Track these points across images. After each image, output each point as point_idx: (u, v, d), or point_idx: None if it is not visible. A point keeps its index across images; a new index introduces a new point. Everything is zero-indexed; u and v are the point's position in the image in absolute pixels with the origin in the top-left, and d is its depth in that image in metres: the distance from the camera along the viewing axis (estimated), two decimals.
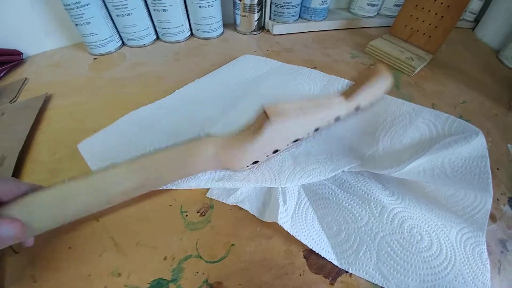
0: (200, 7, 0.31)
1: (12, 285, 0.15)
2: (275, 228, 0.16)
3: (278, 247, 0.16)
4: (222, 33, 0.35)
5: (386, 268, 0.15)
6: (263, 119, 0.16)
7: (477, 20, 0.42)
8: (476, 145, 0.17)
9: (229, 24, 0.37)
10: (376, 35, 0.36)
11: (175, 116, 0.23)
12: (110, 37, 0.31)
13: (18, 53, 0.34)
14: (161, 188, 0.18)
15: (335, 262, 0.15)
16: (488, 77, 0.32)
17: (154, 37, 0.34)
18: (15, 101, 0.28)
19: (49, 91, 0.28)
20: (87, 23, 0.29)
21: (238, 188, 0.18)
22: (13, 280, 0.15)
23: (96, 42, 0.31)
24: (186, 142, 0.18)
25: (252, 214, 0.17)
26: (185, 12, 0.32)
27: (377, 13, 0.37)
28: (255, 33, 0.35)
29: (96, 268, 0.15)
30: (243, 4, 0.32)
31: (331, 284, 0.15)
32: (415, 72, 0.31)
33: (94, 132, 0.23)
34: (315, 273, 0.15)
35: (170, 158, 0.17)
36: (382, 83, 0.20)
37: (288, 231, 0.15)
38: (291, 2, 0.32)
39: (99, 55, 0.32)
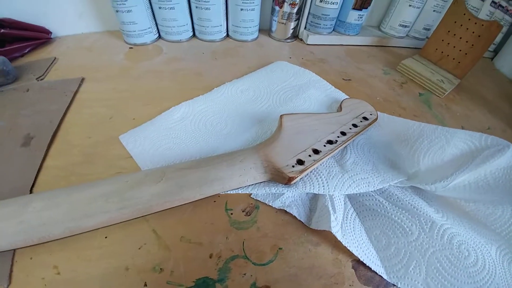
0: (241, 9, 0.31)
1: (32, 276, 0.14)
2: (321, 235, 0.16)
3: (326, 255, 0.16)
4: (257, 37, 0.36)
5: (434, 283, 0.15)
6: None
7: (496, 51, 0.44)
8: (510, 156, 0.19)
9: (262, 29, 0.37)
10: (405, 55, 0.37)
11: (218, 113, 0.23)
12: (148, 28, 0.32)
13: (47, 32, 0.34)
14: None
15: (384, 276, 0.15)
16: (508, 106, 0.33)
17: (191, 33, 0.34)
18: (42, 79, 0.28)
19: (81, 74, 0.28)
20: (128, 11, 0.29)
21: (284, 193, 0.18)
22: (35, 270, 0.14)
23: (134, 31, 0.31)
24: (230, 153, 0.18)
25: (297, 219, 0.17)
26: (225, 12, 0.33)
27: (406, 35, 0.38)
28: (289, 40, 0.36)
29: (135, 262, 0.15)
30: (283, 11, 0.32)
31: None
32: (445, 95, 0.31)
33: (133, 120, 0.23)
34: (364, 285, 0.15)
35: (214, 170, 0.17)
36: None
37: (341, 240, 0.15)
38: (329, 15, 0.33)
39: (135, 45, 0.32)
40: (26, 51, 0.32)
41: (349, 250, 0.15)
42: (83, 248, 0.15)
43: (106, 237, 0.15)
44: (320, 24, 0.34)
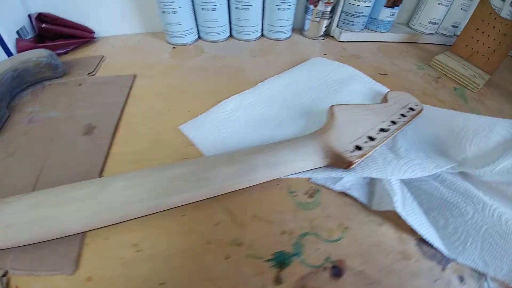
0: (279, 9, 0.33)
1: (115, 252, 0.15)
2: (383, 216, 0.17)
3: (391, 234, 0.17)
4: (290, 36, 0.37)
5: (488, 256, 0.16)
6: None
7: None
8: None
9: (294, 28, 0.38)
10: (435, 51, 0.37)
11: (266, 106, 0.25)
12: (191, 29, 0.33)
13: (90, 31, 0.36)
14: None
15: (445, 252, 0.16)
16: None
17: (228, 33, 0.36)
18: (93, 75, 0.30)
19: (131, 71, 0.30)
20: (174, 12, 0.31)
21: (343, 177, 0.19)
22: (112, 250, 0.15)
23: (178, 32, 0.33)
24: (289, 140, 0.19)
25: (357, 201, 0.18)
26: (262, 12, 0.35)
27: (435, 31, 0.39)
28: (320, 38, 0.37)
29: (214, 237, 0.16)
30: (317, 10, 0.34)
31: (443, 270, 0.15)
32: (478, 89, 0.32)
33: (188, 112, 0.24)
34: (428, 260, 0.16)
35: (275, 155, 0.18)
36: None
37: (405, 219, 0.16)
38: (362, 12, 0.34)
39: (177, 45, 0.34)
40: (70, 49, 0.35)
41: (411, 229, 0.16)
42: (162, 226, 0.16)
43: (183, 215, 0.17)
44: (353, 21, 0.35)
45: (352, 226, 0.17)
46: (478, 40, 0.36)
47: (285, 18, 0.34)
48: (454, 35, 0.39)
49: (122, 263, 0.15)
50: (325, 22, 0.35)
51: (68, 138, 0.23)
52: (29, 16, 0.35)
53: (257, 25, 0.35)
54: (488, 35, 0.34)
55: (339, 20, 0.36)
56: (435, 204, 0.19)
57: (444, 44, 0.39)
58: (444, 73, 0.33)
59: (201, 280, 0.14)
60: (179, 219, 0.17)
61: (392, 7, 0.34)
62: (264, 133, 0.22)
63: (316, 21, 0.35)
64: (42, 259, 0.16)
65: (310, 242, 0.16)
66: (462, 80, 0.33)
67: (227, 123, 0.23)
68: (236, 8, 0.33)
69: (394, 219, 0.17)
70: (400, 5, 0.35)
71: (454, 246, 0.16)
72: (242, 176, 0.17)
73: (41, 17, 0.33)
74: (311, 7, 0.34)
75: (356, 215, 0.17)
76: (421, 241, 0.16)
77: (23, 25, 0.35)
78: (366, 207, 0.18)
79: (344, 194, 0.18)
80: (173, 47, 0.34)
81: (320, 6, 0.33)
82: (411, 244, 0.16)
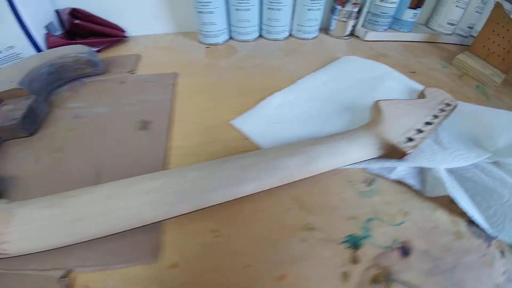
0: (309, 9, 0.34)
1: (195, 239, 0.16)
2: (436, 201, 0.19)
3: (444, 217, 0.18)
4: (317, 35, 0.39)
5: None
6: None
7: None
8: None
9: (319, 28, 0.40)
10: (453, 50, 0.39)
11: (308, 102, 0.26)
12: (224, 29, 0.34)
13: (121, 30, 0.36)
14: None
15: (489, 231, 0.18)
16: None
17: (258, 33, 0.37)
18: (133, 73, 0.31)
19: (169, 70, 0.31)
20: (211, 12, 0.32)
21: (396, 167, 0.20)
22: (190, 237, 0.16)
23: (212, 31, 0.34)
24: (343, 132, 0.20)
25: (411, 188, 0.19)
26: (292, 12, 0.36)
27: (453, 32, 0.41)
28: (346, 38, 0.39)
29: (286, 222, 0.17)
30: (344, 10, 0.35)
31: (488, 246, 0.17)
32: (496, 87, 0.34)
33: (235, 109, 0.25)
34: (476, 238, 0.17)
35: (334, 146, 0.19)
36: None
37: (458, 203, 0.17)
38: (387, 13, 0.36)
39: (210, 44, 0.35)
40: (102, 47, 0.35)
41: (460, 212, 0.17)
42: (236, 214, 0.17)
43: (254, 203, 0.18)
44: (378, 21, 0.36)
45: (410, 211, 0.18)
46: (494, 42, 0.38)
47: (314, 18, 0.35)
48: (470, 35, 0.41)
49: (204, 249, 0.16)
50: (352, 22, 0.37)
51: (123, 133, 0.23)
52: (57, 11, 0.36)
53: (286, 25, 0.36)
54: (503, 37, 0.37)
55: (364, 20, 0.38)
56: (478, 190, 0.20)
57: (460, 44, 0.41)
58: (466, 71, 0.35)
59: (283, 261, 0.15)
60: (251, 206, 0.18)
61: (415, 8, 0.36)
62: (312, 127, 0.23)
63: (342, 21, 0.37)
64: (115, 252, 0.16)
65: (376, 226, 0.17)
66: (482, 78, 0.35)
67: (276, 118, 0.24)
68: (269, 8, 0.34)
69: (445, 204, 0.18)
70: (422, 6, 0.37)
71: (495, 226, 0.18)
72: (306, 166, 0.18)
73: (74, 13, 0.34)
74: (339, 7, 0.36)
75: (413, 201, 0.19)
76: (470, 222, 0.18)
77: (51, 21, 0.35)
78: (420, 194, 0.19)
79: (399, 182, 0.19)
80: (207, 47, 0.35)
81: (348, 7, 0.35)
82: (462, 225, 0.18)
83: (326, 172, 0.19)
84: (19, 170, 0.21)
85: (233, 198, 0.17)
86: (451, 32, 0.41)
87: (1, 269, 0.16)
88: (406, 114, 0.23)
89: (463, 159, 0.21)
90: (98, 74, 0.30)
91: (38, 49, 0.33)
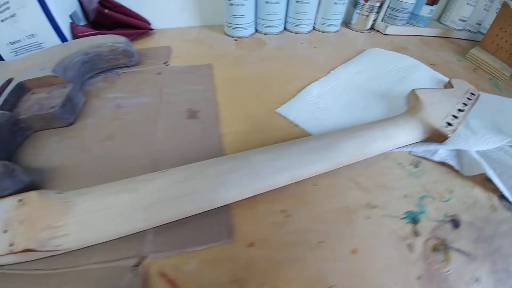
0: (335, 3, 0.35)
1: (266, 219, 0.17)
2: (472, 180, 0.20)
3: (481, 193, 0.20)
4: (339, 29, 0.40)
5: None
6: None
7: None
8: None
9: None
10: (464, 45, 0.41)
11: (345, 91, 0.27)
12: (252, 21, 0.35)
13: (147, 22, 0.36)
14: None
15: None
16: None
17: (283, 27, 0.38)
18: (168, 65, 0.31)
19: (202, 62, 0.31)
20: (242, 4, 0.32)
21: (438, 149, 0.22)
22: (262, 217, 0.17)
23: (241, 24, 0.34)
24: (389, 118, 0.22)
25: (452, 168, 0.21)
26: (317, 6, 0.37)
27: (463, 28, 0.43)
28: (366, 31, 0.40)
29: (348, 202, 0.18)
30: (367, 5, 0.36)
31: None
32: (506, 80, 0.36)
33: (277, 97, 0.26)
34: (507, 211, 0.19)
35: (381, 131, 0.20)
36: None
37: (493, 180, 0.19)
38: (407, 8, 0.37)
39: (237, 37, 0.35)
40: (130, 39, 0.34)
41: (493, 189, 0.19)
42: (300, 195, 0.18)
43: (315, 185, 0.19)
44: (398, 16, 0.38)
45: (454, 189, 0.20)
46: (501, 38, 0.41)
47: (339, 11, 0.36)
48: (478, 31, 0.44)
49: (277, 227, 0.16)
50: (373, 16, 0.38)
51: (173, 122, 0.23)
52: (79, 1, 0.35)
53: (312, 18, 0.37)
54: (510, 34, 0.39)
55: (384, 14, 0.39)
56: (504, 169, 0.21)
57: (470, 39, 0.43)
58: (479, 65, 0.38)
59: (353, 236, 0.16)
60: (312, 188, 0.19)
61: (431, 4, 0.38)
62: (354, 115, 0.24)
63: (364, 15, 0.38)
64: (190, 235, 0.16)
65: (429, 202, 0.18)
66: (494, 72, 0.37)
67: (319, 107, 0.25)
68: (297, 1, 0.34)
69: (480, 181, 0.20)
70: (438, 3, 0.39)
71: None
72: (362, 149, 0.19)
73: (104, 2, 0.33)
74: (361, 2, 0.37)
75: (455, 180, 0.20)
76: (501, 197, 0.20)
77: (75, 10, 0.34)
78: (459, 173, 0.21)
79: (441, 163, 0.21)
80: (235, 39, 0.35)
81: (371, 1, 0.36)
82: (495, 200, 0.19)
83: (376, 155, 0.20)
84: (63, 160, 0.21)
85: (298, 180, 0.18)
86: (461, 28, 0.43)
87: (58, 268, 0.15)
88: (440, 101, 0.25)
89: (491, 142, 0.23)
90: (131, 66, 0.30)
91: (63, 39, 0.32)
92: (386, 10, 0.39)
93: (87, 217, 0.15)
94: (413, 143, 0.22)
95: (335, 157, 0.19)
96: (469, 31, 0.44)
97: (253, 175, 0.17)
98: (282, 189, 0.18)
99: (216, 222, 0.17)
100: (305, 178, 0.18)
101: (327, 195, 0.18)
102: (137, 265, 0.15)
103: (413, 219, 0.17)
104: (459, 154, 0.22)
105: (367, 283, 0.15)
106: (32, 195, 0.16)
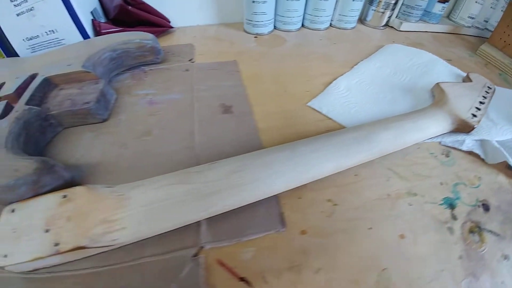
0: (353, 0, 0.36)
1: (315, 207, 0.18)
2: (495, 167, 0.21)
3: (504, 179, 0.21)
4: (355, 25, 0.41)
5: None
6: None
7: None
8: None
9: None
10: (473, 42, 0.43)
11: (371, 85, 0.28)
12: (272, 18, 0.35)
13: (167, 20, 0.36)
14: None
15: None
16: None
17: (301, 24, 0.39)
18: (193, 62, 0.31)
19: (226, 58, 0.31)
20: (264, 2, 0.33)
21: (465, 139, 0.23)
22: (309, 206, 0.18)
23: (262, 21, 0.34)
24: (418, 111, 0.23)
25: (479, 157, 0.22)
26: (335, 3, 0.37)
27: (472, 25, 0.45)
28: (381, 28, 0.41)
29: (390, 191, 0.19)
30: (383, 2, 0.37)
31: None
32: None
33: (307, 92, 0.27)
34: None
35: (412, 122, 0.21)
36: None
37: None
38: (421, 6, 0.39)
39: (257, 34, 0.36)
40: None
41: None
42: (342, 185, 0.19)
43: (356, 175, 0.19)
44: (412, 13, 0.39)
45: (482, 176, 0.21)
46: (509, 35, 0.42)
47: (356, 8, 0.37)
48: (485, 28, 0.46)
49: (326, 216, 0.17)
50: (388, 13, 0.39)
51: (209, 116, 0.24)
52: None
53: (330, 15, 0.38)
54: None
55: (398, 11, 0.40)
56: None
57: (477, 36, 0.45)
58: (489, 61, 0.39)
59: (399, 222, 0.17)
60: (354, 178, 0.19)
61: (443, 2, 0.39)
62: (383, 108, 0.25)
63: (380, 12, 0.39)
64: (245, 224, 0.17)
65: (462, 189, 0.20)
66: (503, 67, 0.39)
67: (349, 100, 0.26)
68: None
69: (502, 169, 0.21)
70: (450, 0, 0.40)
71: None
72: (397, 140, 0.20)
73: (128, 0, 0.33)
74: None
75: (482, 168, 0.21)
76: None
77: (95, 7, 0.34)
78: (484, 162, 0.22)
79: (469, 152, 0.22)
80: (255, 36, 0.36)
81: None
82: None
83: (410, 146, 0.21)
84: (102, 157, 0.21)
85: (342, 170, 0.19)
86: (470, 25, 0.45)
87: (108, 265, 0.15)
88: (463, 94, 0.26)
89: (509, 132, 0.24)
90: (157, 63, 0.30)
91: (85, 36, 0.32)
92: (401, 7, 0.40)
93: (145, 209, 0.15)
94: (442, 134, 0.23)
95: (374, 147, 0.19)
96: (477, 28, 0.46)
97: (300, 165, 0.18)
98: (325, 180, 0.18)
99: (267, 212, 0.17)
100: (348, 167, 0.19)
101: (369, 184, 0.19)
102: (195, 255, 0.15)
103: (450, 204, 0.18)
104: (483, 143, 0.24)
105: (416, 265, 0.15)
106: (79, 190, 0.16)
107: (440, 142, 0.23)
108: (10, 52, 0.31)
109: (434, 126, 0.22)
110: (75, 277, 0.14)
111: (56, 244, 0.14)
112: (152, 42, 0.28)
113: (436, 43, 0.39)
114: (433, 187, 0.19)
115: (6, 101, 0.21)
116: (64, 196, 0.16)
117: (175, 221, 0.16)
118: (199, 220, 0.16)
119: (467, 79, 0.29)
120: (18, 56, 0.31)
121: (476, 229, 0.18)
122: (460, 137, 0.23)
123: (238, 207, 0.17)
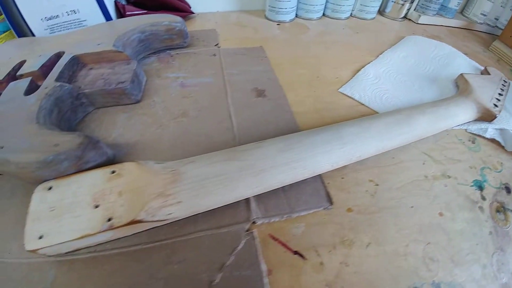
0: None
1: (359, 187, 0.18)
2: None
3: None
4: (375, 16, 0.41)
5: None
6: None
7: None
8: None
9: None
10: (485, 38, 0.44)
11: (398, 74, 0.29)
12: (295, 6, 0.35)
13: (188, 5, 0.35)
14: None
15: None
16: None
17: (322, 12, 0.38)
18: (219, 47, 0.31)
19: (251, 44, 0.31)
20: None
21: (488, 127, 0.24)
22: (353, 186, 0.18)
23: (285, 8, 0.34)
24: (447, 99, 0.24)
25: (500, 144, 0.23)
26: None
27: (483, 22, 0.46)
28: (400, 20, 0.42)
29: (427, 172, 0.20)
30: None
31: None
32: None
33: (336, 79, 0.27)
34: None
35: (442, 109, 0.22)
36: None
37: None
38: (439, 0, 0.39)
39: (280, 21, 0.36)
40: None
41: None
42: (381, 166, 0.20)
43: (393, 158, 0.20)
44: (430, 7, 0.40)
45: (503, 162, 0.22)
46: None
47: None
48: (496, 26, 0.47)
49: (370, 195, 0.18)
50: (407, 6, 0.40)
51: (243, 99, 0.24)
52: None
53: (351, 4, 0.38)
54: None
55: (417, 4, 0.41)
56: None
57: (488, 33, 0.46)
58: (501, 56, 0.41)
59: (437, 202, 0.18)
60: (392, 160, 0.20)
61: None
62: (411, 95, 0.26)
63: (400, 4, 0.39)
64: (293, 202, 0.17)
65: (488, 172, 0.21)
66: None
67: (379, 87, 0.27)
68: None
69: None
70: None
71: None
72: (432, 125, 0.21)
73: None
74: None
75: (503, 154, 0.23)
76: None
77: None
78: (504, 149, 0.23)
79: (492, 140, 0.23)
80: (277, 23, 0.35)
81: None
82: None
83: (440, 132, 0.22)
84: (140, 136, 0.21)
85: (383, 151, 0.19)
86: (482, 22, 0.46)
87: (162, 240, 0.15)
88: (484, 85, 0.27)
89: None
90: (183, 47, 0.30)
91: (108, 18, 0.31)
92: (419, 0, 0.40)
93: (199, 184, 0.15)
94: (468, 122, 0.24)
95: (414, 130, 0.20)
96: (488, 25, 0.47)
97: (348, 145, 0.18)
98: (366, 161, 0.19)
99: (314, 190, 0.18)
100: (389, 149, 0.20)
101: (407, 167, 0.20)
102: (249, 229, 0.16)
103: (479, 186, 0.20)
104: (502, 132, 0.25)
105: (455, 240, 0.17)
106: (129, 165, 0.16)
107: (466, 129, 0.24)
108: (24, 33, 0.29)
109: (463, 114, 0.23)
110: (124, 254, 0.14)
111: (109, 219, 0.14)
112: (180, 25, 0.27)
113: (453, 37, 0.40)
114: (464, 170, 0.21)
115: (30, 77, 0.21)
116: (113, 172, 0.16)
117: (230, 196, 0.16)
118: (252, 195, 0.17)
119: (485, 72, 0.31)
120: (34, 36, 0.30)
121: (501, 209, 0.19)
122: (483, 125, 0.24)
123: (288, 184, 0.17)
